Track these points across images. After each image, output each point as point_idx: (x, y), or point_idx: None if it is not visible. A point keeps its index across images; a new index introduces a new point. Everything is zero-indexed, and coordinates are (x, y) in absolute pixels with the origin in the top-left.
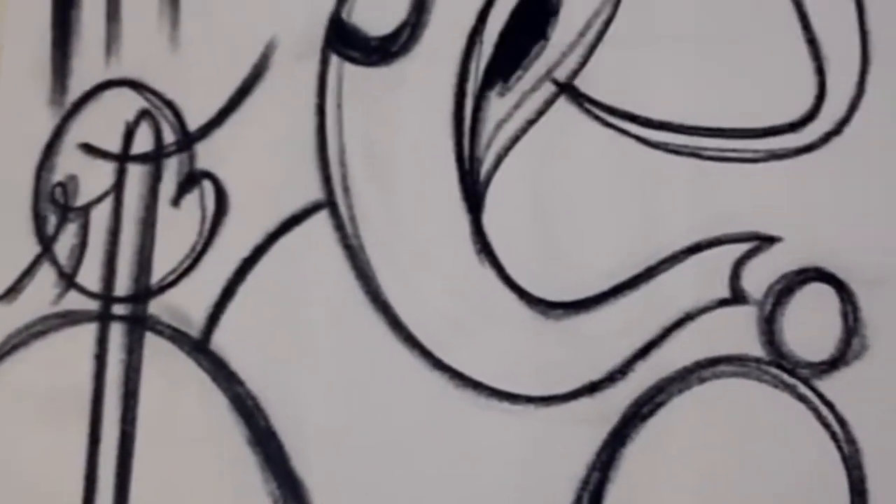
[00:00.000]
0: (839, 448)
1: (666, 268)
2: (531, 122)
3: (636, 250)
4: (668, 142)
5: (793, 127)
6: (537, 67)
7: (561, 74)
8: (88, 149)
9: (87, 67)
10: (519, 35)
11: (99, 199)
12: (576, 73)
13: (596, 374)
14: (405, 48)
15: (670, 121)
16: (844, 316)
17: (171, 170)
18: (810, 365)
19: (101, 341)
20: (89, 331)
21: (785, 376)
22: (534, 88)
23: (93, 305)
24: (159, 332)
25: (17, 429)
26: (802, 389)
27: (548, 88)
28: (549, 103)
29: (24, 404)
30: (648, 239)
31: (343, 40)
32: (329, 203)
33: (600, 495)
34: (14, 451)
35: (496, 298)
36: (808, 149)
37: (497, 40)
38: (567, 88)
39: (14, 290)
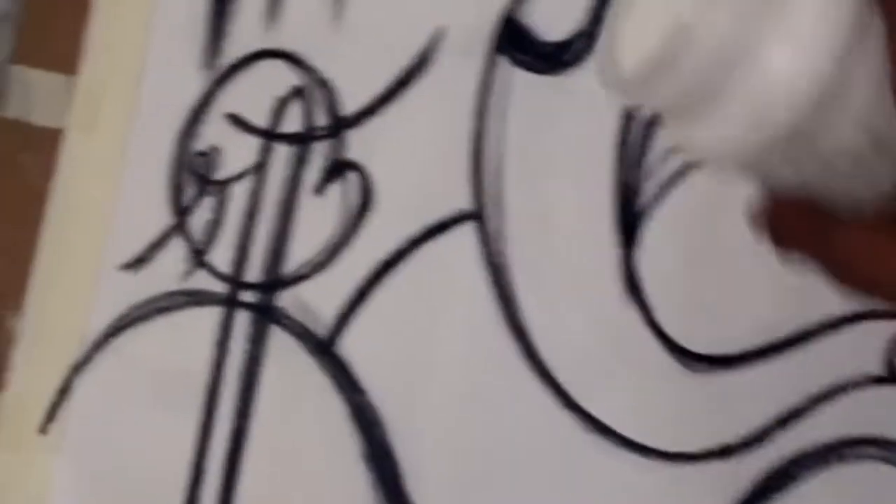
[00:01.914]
0: None
1: (820, 334)
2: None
3: (792, 311)
4: None
5: None
6: None
7: None
8: (235, 120)
9: (244, 32)
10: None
11: (240, 176)
12: None
13: (731, 437)
14: (578, 59)
15: None
16: None
17: (318, 155)
18: None
19: (225, 328)
20: (214, 314)
21: None
22: None
23: (220, 288)
24: (285, 327)
25: (127, 405)
26: None
27: None
28: None
29: (137, 381)
30: (806, 301)
31: (514, 42)
32: (478, 215)
33: None
34: (121, 427)
35: (638, 341)
36: None
37: None
38: None
39: (143, 259)
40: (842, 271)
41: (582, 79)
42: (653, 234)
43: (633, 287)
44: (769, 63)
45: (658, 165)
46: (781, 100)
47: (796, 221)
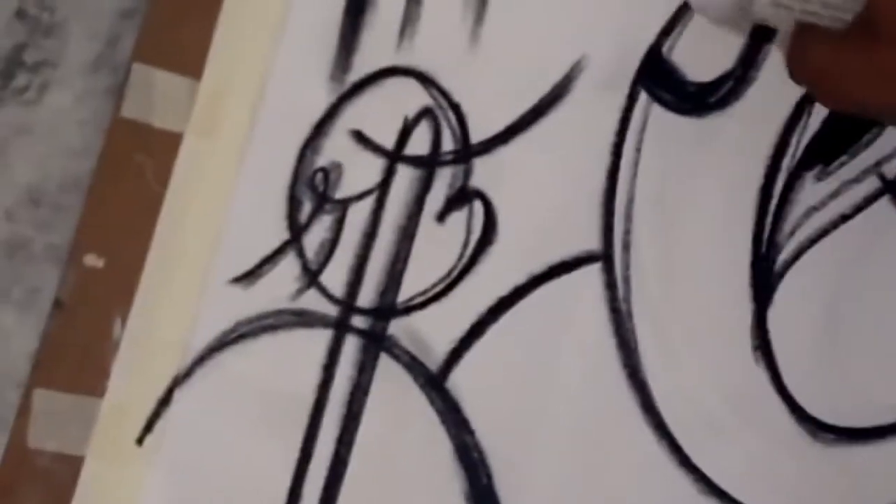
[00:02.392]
0: None
1: None
2: (845, 218)
3: None
4: None
5: None
6: (865, 157)
7: (890, 171)
8: (360, 138)
9: (377, 46)
10: (850, 118)
11: (361, 196)
12: None
13: None
14: (724, 102)
15: None
16: None
17: (443, 181)
18: None
19: (333, 352)
20: (323, 337)
21: None
22: (857, 180)
23: (332, 311)
24: (395, 357)
25: (226, 423)
26: None
27: (872, 183)
28: (869, 200)
29: (239, 399)
30: None
31: (657, 78)
32: (605, 256)
33: None
34: (218, 444)
35: (764, 404)
36: None
37: (828, 114)
38: (894, 188)
39: (253, 274)
40: (816, 87)
41: (726, 123)
42: (789, 292)
43: (765, 346)
44: None
45: (801, 220)
46: None
47: (792, 50)
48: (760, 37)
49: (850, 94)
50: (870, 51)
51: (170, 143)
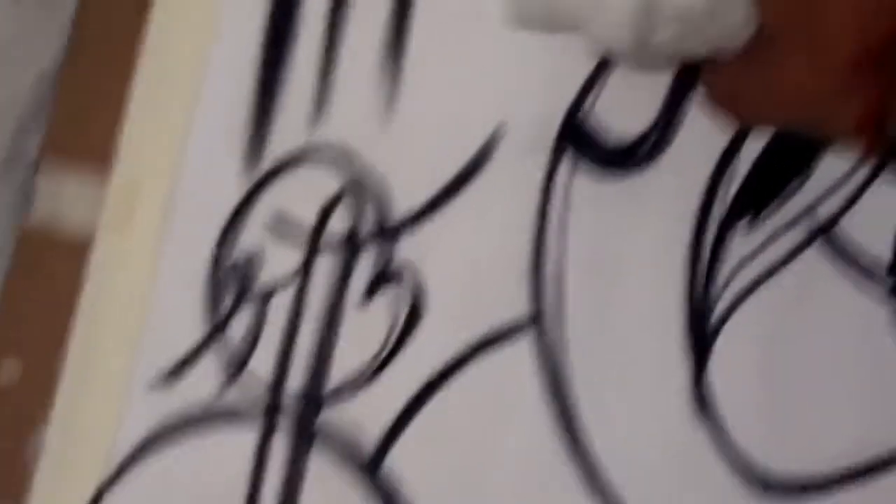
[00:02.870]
0: None
1: None
2: (778, 267)
3: (876, 435)
4: None
5: None
6: (795, 203)
7: (821, 215)
8: (279, 222)
9: (290, 128)
10: (780, 161)
11: (282, 283)
12: (838, 216)
13: None
14: (648, 158)
15: None
16: None
17: (367, 260)
18: None
19: (263, 447)
20: (251, 432)
21: None
22: (787, 227)
23: (259, 404)
24: (328, 446)
25: None
26: None
27: (803, 230)
28: (801, 248)
29: (170, 501)
30: (892, 424)
31: (579, 139)
32: (537, 324)
33: None
34: None
35: (708, 466)
36: None
37: (754, 163)
38: (825, 233)
39: (176, 372)
40: (731, 111)
41: (652, 180)
42: (726, 347)
43: (704, 406)
44: None
45: (734, 272)
46: None
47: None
48: (681, 89)
49: (764, 115)
50: (770, 68)
51: (82, 242)
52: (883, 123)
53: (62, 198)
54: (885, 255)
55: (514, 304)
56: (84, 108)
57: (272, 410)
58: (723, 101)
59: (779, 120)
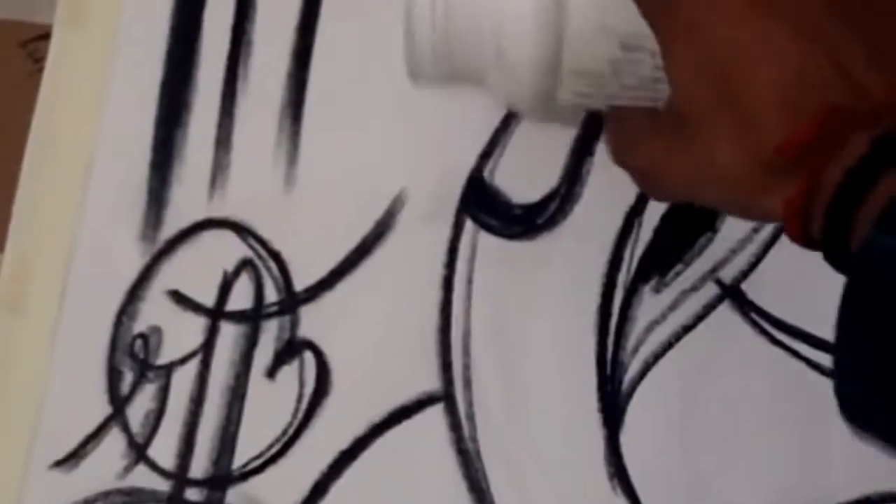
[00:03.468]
0: None
1: None
2: (687, 329)
3: (799, 495)
4: None
5: None
6: (700, 263)
7: (727, 275)
8: (178, 298)
9: (188, 200)
10: (684, 222)
11: (184, 360)
12: (744, 274)
13: None
14: (552, 222)
15: None
16: None
17: (270, 334)
18: None
19: None
20: None
21: None
22: (694, 288)
23: (163, 486)
24: None
25: None
26: None
27: (710, 290)
28: (709, 308)
29: None
30: (814, 483)
31: (481, 204)
32: (446, 396)
33: None
34: None
35: None
36: None
37: (658, 225)
38: (732, 292)
39: (77, 455)
40: (640, 184)
41: (557, 244)
42: (639, 412)
43: (620, 472)
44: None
45: (643, 336)
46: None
47: (608, 141)
48: (583, 150)
49: (675, 192)
50: (690, 147)
51: None
52: (808, 215)
53: None
54: (791, 314)
55: (422, 377)
56: None
57: (178, 492)
58: (634, 175)
59: (696, 197)
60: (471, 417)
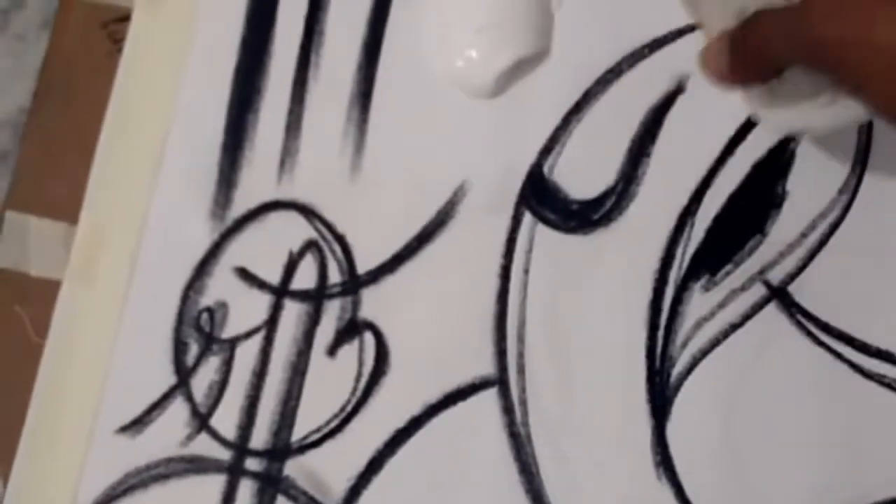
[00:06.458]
0: None
1: None
2: (734, 327)
3: (835, 492)
4: (886, 374)
5: None
6: (750, 264)
7: (775, 277)
8: (245, 275)
9: (257, 181)
10: (735, 224)
11: (248, 334)
12: (792, 277)
13: None
14: (608, 218)
15: (891, 351)
16: None
17: (332, 313)
18: None
19: (228, 498)
20: (216, 483)
21: None
22: (743, 288)
23: (224, 455)
24: (293, 498)
25: None
26: None
27: (758, 290)
28: (757, 308)
29: None
30: (850, 482)
31: (540, 198)
32: (500, 381)
33: None
34: None
35: None
36: None
37: (710, 226)
38: (780, 294)
39: (141, 421)
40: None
41: (612, 239)
42: (686, 405)
43: (666, 462)
44: None
45: (692, 332)
46: None
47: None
48: (641, 148)
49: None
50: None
51: (47, 291)
52: None
53: (27, 246)
54: (835, 317)
55: (477, 361)
56: (50, 156)
57: (238, 461)
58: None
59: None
60: (523, 402)
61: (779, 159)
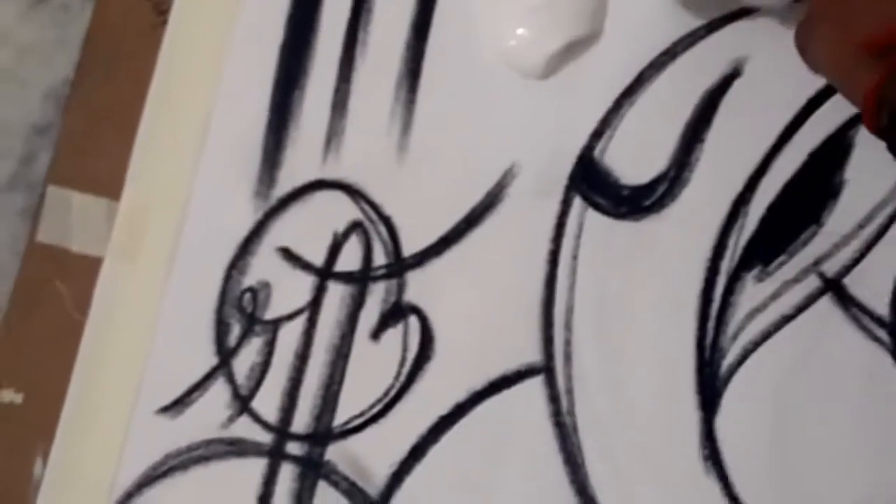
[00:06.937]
0: None
1: None
2: (787, 319)
3: (883, 490)
4: None
5: None
6: (804, 255)
7: (830, 269)
8: (289, 255)
9: (302, 161)
10: (789, 214)
11: (291, 316)
12: (847, 269)
13: None
14: (659, 204)
15: None
16: None
17: (377, 297)
18: None
19: (269, 482)
20: (257, 466)
21: None
22: (797, 279)
23: (265, 438)
24: (334, 483)
25: None
26: None
27: (812, 282)
28: (811, 300)
29: None
30: None
31: (590, 182)
32: (546, 369)
33: None
34: None
35: None
36: None
37: (764, 214)
38: (834, 286)
39: (182, 402)
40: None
41: (663, 226)
42: (736, 397)
43: (714, 456)
44: None
45: (743, 323)
46: None
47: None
48: (694, 134)
49: (815, 67)
50: (813, 32)
51: (89, 267)
52: (881, 103)
53: (69, 221)
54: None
55: (523, 348)
56: (93, 129)
57: (279, 444)
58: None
59: (822, 74)
60: (569, 391)
61: (837, 148)
